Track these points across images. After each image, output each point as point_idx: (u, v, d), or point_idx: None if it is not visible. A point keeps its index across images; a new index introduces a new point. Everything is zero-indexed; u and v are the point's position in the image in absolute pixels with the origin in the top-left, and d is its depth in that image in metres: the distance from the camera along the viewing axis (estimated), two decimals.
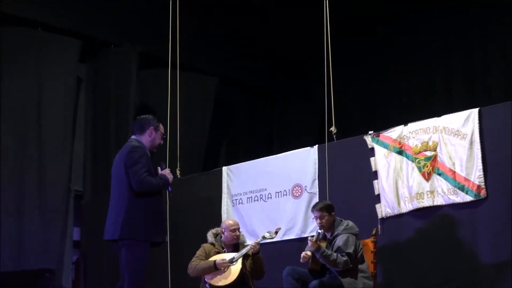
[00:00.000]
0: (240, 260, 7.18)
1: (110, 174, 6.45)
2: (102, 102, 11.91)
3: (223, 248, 7.41)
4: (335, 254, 6.70)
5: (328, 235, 7.00)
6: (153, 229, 6.25)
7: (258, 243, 7.29)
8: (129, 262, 6.15)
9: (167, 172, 6.44)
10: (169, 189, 6.46)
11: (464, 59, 11.06)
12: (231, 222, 7.50)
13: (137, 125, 6.54)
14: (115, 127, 11.71)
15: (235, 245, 7.39)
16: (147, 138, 6.45)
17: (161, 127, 6.53)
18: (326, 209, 6.99)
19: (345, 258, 6.66)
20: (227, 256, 7.23)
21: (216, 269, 7.12)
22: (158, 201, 6.38)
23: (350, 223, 6.96)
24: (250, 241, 7.58)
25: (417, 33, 11.46)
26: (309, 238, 6.78)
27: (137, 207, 6.19)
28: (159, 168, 6.49)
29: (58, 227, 11.03)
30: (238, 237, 7.41)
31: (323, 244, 6.88)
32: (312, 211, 7.13)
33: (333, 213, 7.01)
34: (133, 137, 6.50)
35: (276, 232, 7.56)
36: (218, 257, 7.24)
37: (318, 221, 6.98)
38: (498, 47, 10.63)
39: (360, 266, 6.77)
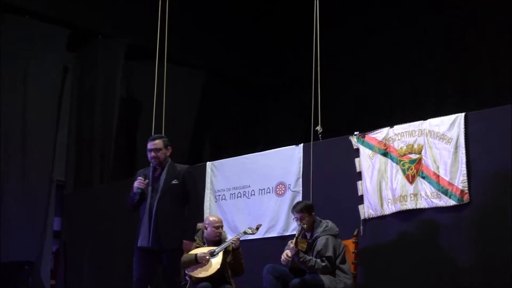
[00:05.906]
0: (220, 254, 7.17)
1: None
2: (88, 92, 11.84)
3: (204, 244, 7.39)
4: (314, 260, 6.66)
5: (308, 236, 6.98)
6: (137, 237, 6.89)
7: (238, 238, 7.29)
8: None
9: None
10: (134, 197, 6.89)
11: (457, 65, 11.06)
12: (215, 218, 7.49)
13: None
14: (100, 118, 11.63)
15: (217, 241, 7.38)
16: None
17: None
18: (306, 210, 6.94)
19: (324, 264, 6.63)
20: (208, 249, 7.22)
21: (197, 262, 7.12)
22: (141, 212, 6.92)
23: (330, 224, 6.92)
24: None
25: (409, 35, 11.43)
26: (289, 242, 6.76)
27: None
28: None
29: (40, 218, 10.94)
30: (221, 234, 7.41)
31: (304, 245, 6.86)
32: (292, 212, 7.07)
33: (313, 213, 6.98)
34: None
35: (257, 228, 7.54)
36: (198, 251, 7.23)
37: (299, 222, 6.94)
38: (491, 54, 10.63)
39: (341, 266, 6.74)
